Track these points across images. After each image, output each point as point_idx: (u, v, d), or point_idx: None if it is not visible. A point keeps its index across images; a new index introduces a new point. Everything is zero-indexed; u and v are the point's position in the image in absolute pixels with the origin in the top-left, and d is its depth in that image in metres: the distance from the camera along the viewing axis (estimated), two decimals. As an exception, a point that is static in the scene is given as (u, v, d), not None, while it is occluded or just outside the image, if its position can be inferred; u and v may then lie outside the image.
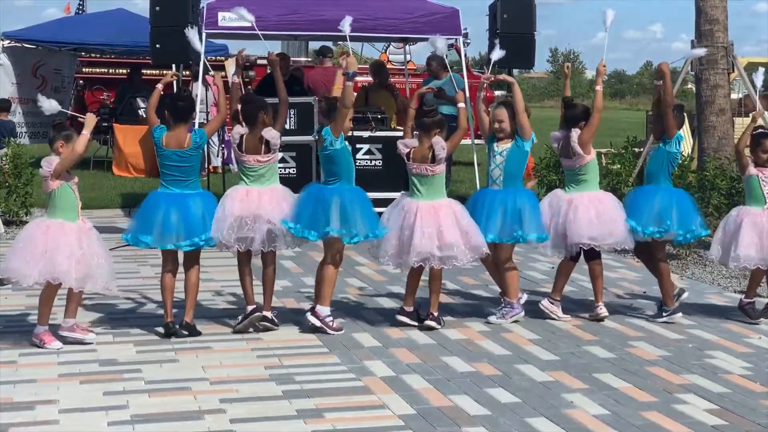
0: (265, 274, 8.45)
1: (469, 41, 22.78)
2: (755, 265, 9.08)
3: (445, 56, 11.34)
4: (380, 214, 8.65)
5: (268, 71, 17.86)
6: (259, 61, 25.38)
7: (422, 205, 8.47)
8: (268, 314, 8.47)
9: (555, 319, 8.99)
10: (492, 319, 8.86)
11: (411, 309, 8.71)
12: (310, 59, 27.99)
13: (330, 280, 8.49)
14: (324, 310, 8.46)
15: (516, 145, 8.82)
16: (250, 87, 22.77)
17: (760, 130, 9.44)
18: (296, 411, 6.45)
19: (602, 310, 9.03)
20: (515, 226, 8.70)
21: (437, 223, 8.38)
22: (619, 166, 13.31)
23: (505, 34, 14.97)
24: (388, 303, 9.61)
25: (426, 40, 18.87)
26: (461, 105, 8.87)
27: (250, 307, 8.47)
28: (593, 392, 6.92)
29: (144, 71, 22.66)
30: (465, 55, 18.79)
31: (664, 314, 9.10)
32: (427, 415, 6.40)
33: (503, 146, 8.86)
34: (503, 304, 8.92)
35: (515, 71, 15.83)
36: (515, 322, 8.84)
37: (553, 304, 9.10)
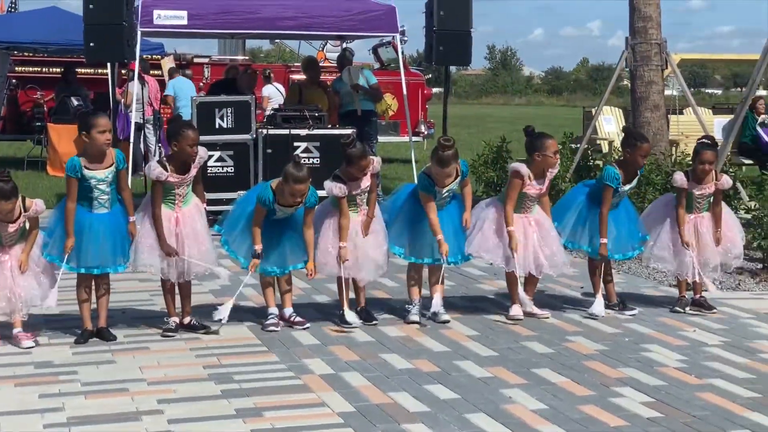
0: (181, 282, 8.43)
1: (406, 39, 22.75)
2: (665, 267, 9.24)
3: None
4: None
5: (228, 76, 17.84)
6: (196, 60, 25.27)
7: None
8: (192, 321, 8.45)
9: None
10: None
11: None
12: (247, 57, 27.91)
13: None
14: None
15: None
16: (202, 88, 22.75)
17: (703, 140, 9.42)
18: (235, 410, 6.43)
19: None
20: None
21: None
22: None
23: (442, 31, 15.05)
24: (326, 301, 9.61)
25: (363, 37, 18.98)
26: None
27: (173, 321, 8.41)
28: (531, 387, 6.97)
29: (78, 70, 22.46)
30: (402, 52, 18.81)
31: (626, 311, 9.22)
32: (366, 412, 6.41)
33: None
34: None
35: (453, 68, 15.90)
36: (447, 322, 8.89)
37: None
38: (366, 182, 8.63)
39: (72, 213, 7.93)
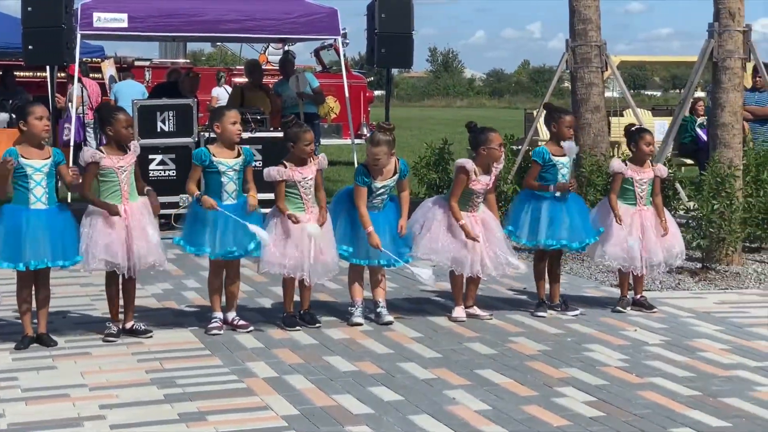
0: (125, 284, 8.37)
1: (348, 41, 22.79)
2: (618, 264, 9.29)
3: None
4: (266, 215, 8.63)
5: (170, 79, 17.72)
6: (137, 63, 25.10)
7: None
8: (135, 326, 8.38)
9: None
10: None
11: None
12: (188, 60, 27.77)
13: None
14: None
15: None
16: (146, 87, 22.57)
17: (636, 126, 9.66)
18: (178, 415, 6.39)
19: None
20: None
21: None
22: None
23: (384, 33, 15.08)
24: (269, 304, 9.58)
25: (305, 40, 18.93)
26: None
27: (115, 326, 8.35)
28: (475, 388, 6.99)
29: (17, 73, 22.20)
30: (344, 55, 18.82)
31: (569, 312, 9.27)
32: (310, 415, 6.39)
33: None
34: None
35: (394, 70, 15.94)
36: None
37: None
38: (311, 171, 8.61)
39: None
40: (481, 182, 8.91)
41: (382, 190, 8.77)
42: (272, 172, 8.56)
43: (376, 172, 8.73)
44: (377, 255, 8.71)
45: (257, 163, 13.45)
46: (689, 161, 18.85)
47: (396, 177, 8.79)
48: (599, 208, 9.56)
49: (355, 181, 8.79)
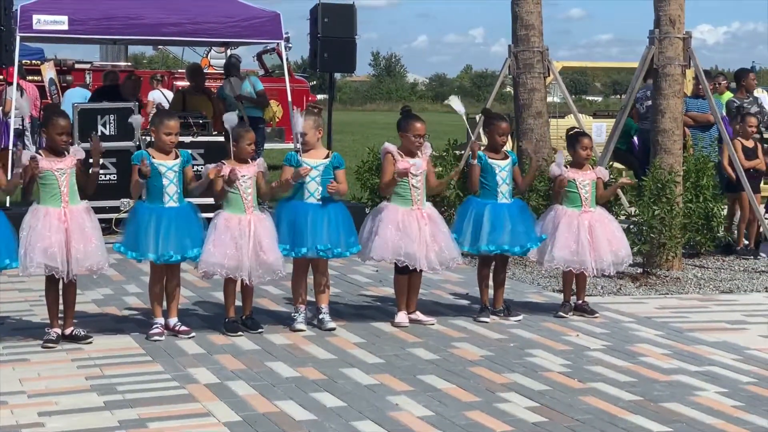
0: (65, 289, 8.28)
1: (290, 45, 22.74)
2: (568, 267, 9.33)
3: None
4: (209, 220, 8.59)
5: (106, 82, 17.59)
6: (77, 65, 24.89)
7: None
8: (74, 331, 8.29)
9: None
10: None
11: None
12: (129, 64, 27.57)
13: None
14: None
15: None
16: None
17: (575, 130, 9.75)
18: (118, 422, 6.33)
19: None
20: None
21: None
22: (440, 168, 13.45)
23: (326, 38, 15.06)
24: (211, 309, 9.53)
25: (247, 44, 18.88)
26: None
27: (54, 332, 8.26)
28: (417, 394, 6.99)
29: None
30: (287, 59, 18.78)
31: (511, 317, 9.31)
32: (252, 421, 6.36)
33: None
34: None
35: (337, 75, 15.94)
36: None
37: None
38: (250, 171, 8.59)
39: None
40: (410, 163, 8.92)
41: (313, 172, 8.69)
42: (210, 167, 8.62)
43: (304, 150, 8.79)
44: (312, 243, 8.64)
45: (199, 168, 13.47)
46: (620, 166, 18.94)
47: (327, 162, 8.77)
48: (543, 220, 9.58)
49: (283, 163, 8.86)
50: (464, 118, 9.76)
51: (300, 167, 8.62)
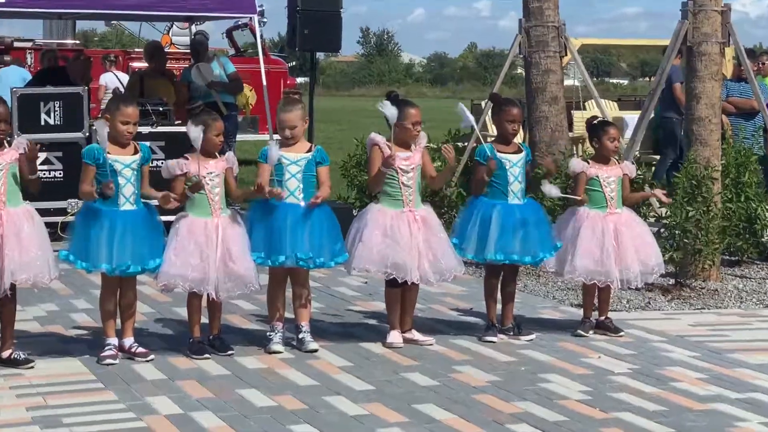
0: (1, 306, 8.26)
1: (265, 20, 22.71)
2: (591, 279, 9.31)
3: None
4: (168, 225, 8.59)
5: (44, 63, 17.56)
6: (16, 44, 24.87)
7: None
8: (13, 354, 8.29)
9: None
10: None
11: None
12: (78, 42, 27.55)
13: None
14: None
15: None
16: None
17: (599, 119, 9.74)
18: (65, 460, 6.34)
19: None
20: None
21: None
22: (440, 163, 13.44)
23: (307, 11, 15.09)
24: (173, 328, 9.53)
25: (215, 18, 18.81)
26: None
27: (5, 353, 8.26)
28: (413, 425, 7.00)
29: None
30: (261, 36, 18.75)
31: (522, 336, 9.34)
32: (221, 458, 6.37)
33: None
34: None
35: (320, 55, 15.94)
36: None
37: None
38: (218, 167, 8.60)
39: None
40: (401, 158, 8.94)
41: (293, 167, 8.72)
42: (171, 165, 8.57)
43: (285, 143, 8.80)
44: (291, 250, 8.64)
45: (159, 163, 13.47)
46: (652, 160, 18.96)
47: (310, 157, 8.79)
48: (560, 224, 9.58)
49: (258, 159, 8.85)
50: (476, 131, 9.80)
51: (273, 189, 8.59)
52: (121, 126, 8.48)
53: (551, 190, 9.26)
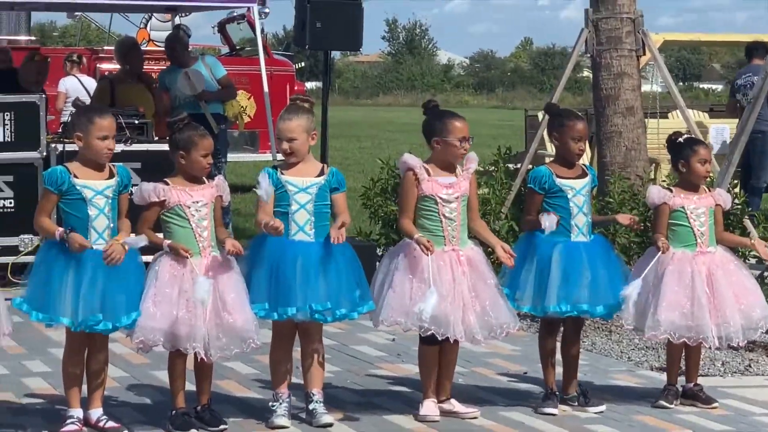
0: None
1: (267, 10, 22.79)
2: (679, 336, 9.26)
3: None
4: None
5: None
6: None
7: None
8: None
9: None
10: None
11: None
12: (33, 38, 27.65)
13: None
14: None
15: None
16: None
17: (685, 135, 9.69)
18: None
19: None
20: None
21: None
22: (487, 189, 13.47)
23: (320, 1, 15.09)
24: (151, 396, 9.54)
25: (204, 9, 18.91)
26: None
27: None
28: None
29: None
30: (262, 30, 18.84)
31: (590, 407, 9.36)
32: None
33: None
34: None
35: (336, 54, 16.00)
36: None
37: None
38: (206, 194, 8.63)
39: None
40: (442, 184, 8.96)
41: (301, 196, 8.73)
42: (146, 189, 8.54)
43: (288, 165, 8.82)
44: (303, 301, 8.65)
45: (7, 202, 13.51)
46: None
47: (322, 182, 8.80)
48: (639, 268, 9.57)
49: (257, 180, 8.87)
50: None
51: (269, 223, 8.61)
52: (100, 143, 8.45)
53: (548, 220, 9.22)
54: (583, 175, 9.37)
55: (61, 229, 8.29)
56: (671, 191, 9.46)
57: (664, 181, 13.91)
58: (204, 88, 15.82)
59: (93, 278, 8.29)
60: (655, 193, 9.50)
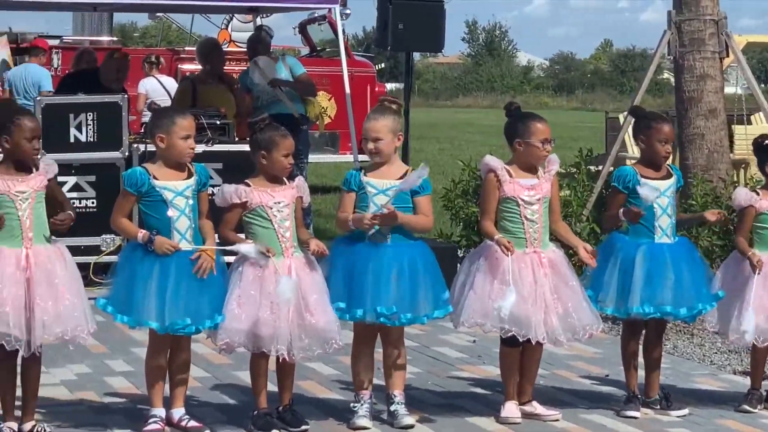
0: (25, 367, 8.36)
1: (348, 11, 22.83)
2: (765, 340, 9.20)
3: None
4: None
5: (80, 66, 17.69)
6: (45, 41, 25.19)
7: None
8: (36, 428, 8.35)
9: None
10: None
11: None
12: (115, 39, 27.78)
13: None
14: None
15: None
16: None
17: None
18: None
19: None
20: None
21: None
22: (568, 192, 13.42)
23: (402, 1, 15.08)
24: (234, 396, 9.57)
25: (286, 10, 18.94)
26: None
27: (8, 429, 8.31)
28: None
29: None
30: (343, 31, 18.84)
31: (672, 411, 9.32)
32: None
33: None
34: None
35: (416, 55, 15.99)
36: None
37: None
38: (287, 195, 8.64)
39: None
40: (524, 186, 8.95)
41: (379, 198, 8.72)
42: (227, 191, 8.55)
43: (373, 166, 8.83)
44: (378, 303, 8.65)
45: (89, 202, 13.53)
46: None
47: (404, 182, 8.81)
48: (727, 264, 9.51)
49: (342, 187, 8.88)
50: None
51: (359, 215, 8.63)
52: (183, 142, 8.47)
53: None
54: (668, 176, 9.32)
55: (144, 231, 8.31)
56: (758, 194, 9.40)
57: (747, 184, 13.84)
58: (276, 76, 15.75)
59: (177, 281, 8.31)
60: (742, 196, 9.43)
